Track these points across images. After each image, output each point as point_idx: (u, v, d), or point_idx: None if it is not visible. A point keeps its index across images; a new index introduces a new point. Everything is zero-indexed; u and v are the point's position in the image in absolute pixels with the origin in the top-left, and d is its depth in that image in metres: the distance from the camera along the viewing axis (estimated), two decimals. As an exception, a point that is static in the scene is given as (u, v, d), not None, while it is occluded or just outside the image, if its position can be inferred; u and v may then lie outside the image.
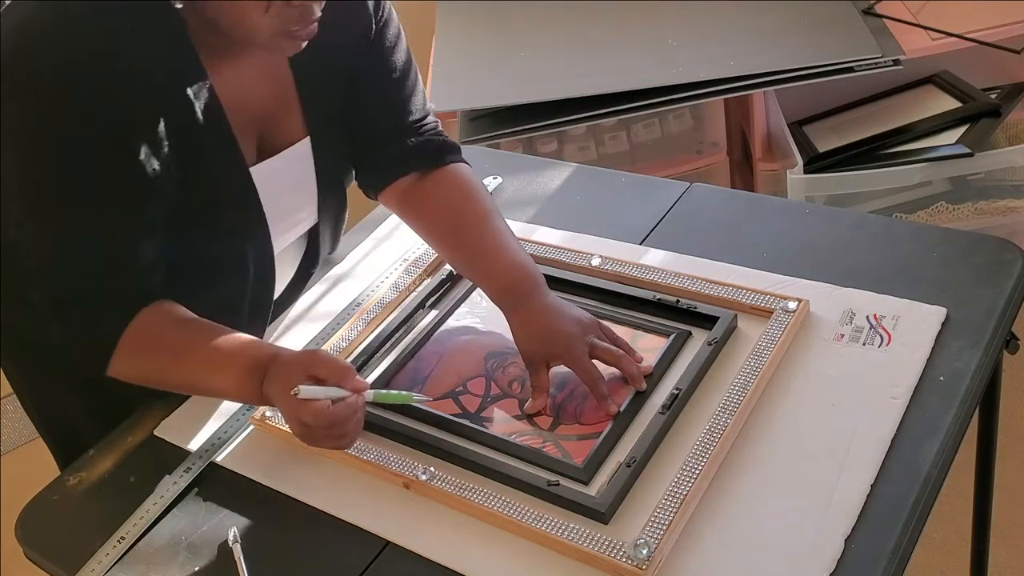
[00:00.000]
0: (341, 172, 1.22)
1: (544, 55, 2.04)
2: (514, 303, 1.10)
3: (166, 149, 0.99)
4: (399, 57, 1.19)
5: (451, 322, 1.21)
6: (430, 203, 1.20)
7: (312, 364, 0.96)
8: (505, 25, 2.17)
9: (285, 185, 1.14)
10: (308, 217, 1.21)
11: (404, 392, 1.08)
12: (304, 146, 1.15)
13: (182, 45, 0.99)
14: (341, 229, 1.31)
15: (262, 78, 1.09)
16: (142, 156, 0.97)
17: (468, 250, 1.16)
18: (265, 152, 1.12)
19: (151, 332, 1.04)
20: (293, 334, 1.25)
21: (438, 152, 1.21)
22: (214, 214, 1.07)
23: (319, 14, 0.97)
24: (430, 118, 1.24)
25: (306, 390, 0.94)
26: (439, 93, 1.97)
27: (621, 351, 1.06)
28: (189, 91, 1.00)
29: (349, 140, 1.19)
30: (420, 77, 1.23)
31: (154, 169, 0.99)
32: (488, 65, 2.03)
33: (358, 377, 0.98)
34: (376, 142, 1.20)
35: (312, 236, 1.25)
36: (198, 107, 1.01)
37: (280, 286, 1.25)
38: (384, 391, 1.07)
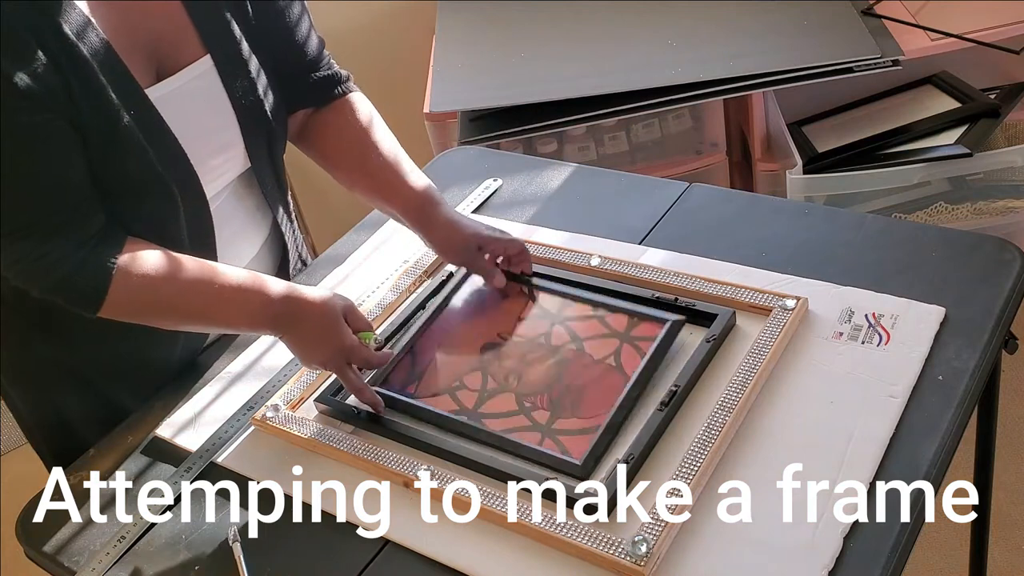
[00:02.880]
0: (260, 92, 1.19)
1: (544, 55, 2.04)
2: (427, 221, 1.19)
3: (53, 82, 0.98)
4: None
5: (444, 313, 1.21)
6: (333, 133, 1.25)
7: (352, 312, 1.09)
8: (505, 25, 2.17)
9: (192, 105, 1.13)
10: (234, 141, 1.18)
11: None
12: (204, 64, 1.14)
13: None
14: (282, 173, 1.30)
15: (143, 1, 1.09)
16: (33, 94, 0.97)
17: (376, 177, 1.22)
18: (166, 75, 1.12)
19: (142, 270, 1.04)
20: (293, 334, 1.26)
21: (336, 83, 1.26)
22: (122, 141, 1.06)
23: None
24: (325, 51, 1.28)
25: (375, 336, 1.12)
26: (439, 93, 1.97)
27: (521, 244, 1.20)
28: (63, 22, 0.99)
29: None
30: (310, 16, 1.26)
31: (47, 106, 0.98)
32: (488, 65, 2.03)
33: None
34: (280, 76, 1.22)
35: (263, 186, 1.25)
36: (74, 34, 1.00)
37: (245, 251, 1.27)
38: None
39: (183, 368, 1.25)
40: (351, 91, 1.28)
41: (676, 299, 1.14)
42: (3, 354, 1.26)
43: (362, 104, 1.28)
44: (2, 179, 0.97)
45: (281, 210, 1.32)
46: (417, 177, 1.22)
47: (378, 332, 1.21)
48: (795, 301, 1.09)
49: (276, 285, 1.08)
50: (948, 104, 2.05)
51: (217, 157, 1.17)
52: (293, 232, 1.37)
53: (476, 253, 1.20)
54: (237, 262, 1.23)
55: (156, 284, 1.05)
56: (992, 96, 2.06)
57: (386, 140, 1.25)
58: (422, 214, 1.20)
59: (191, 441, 1.13)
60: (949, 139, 1.96)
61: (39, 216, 1.01)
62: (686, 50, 1.96)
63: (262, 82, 1.20)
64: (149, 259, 1.06)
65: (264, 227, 1.31)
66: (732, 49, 1.94)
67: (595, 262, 1.22)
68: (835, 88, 1.97)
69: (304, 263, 1.43)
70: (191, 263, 1.08)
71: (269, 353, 1.24)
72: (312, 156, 1.30)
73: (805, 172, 1.96)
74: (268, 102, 1.20)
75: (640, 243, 1.27)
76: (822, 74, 1.85)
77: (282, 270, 1.37)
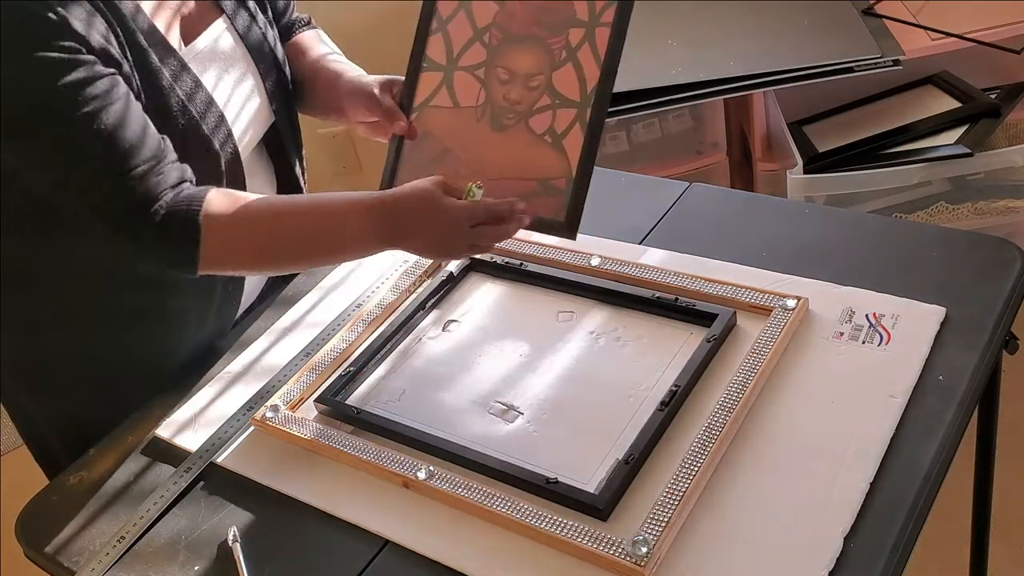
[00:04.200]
0: (271, 44, 1.27)
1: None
2: (339, 109, 1.27)
3: (112, 42, 1.03)
4: None
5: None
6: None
7: (442, 185, 1.05)
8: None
9: (218, 66, 1.19)
10: (258, 98, 1.24)
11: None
12: (221, 25, 1.21)
13: None
14: (299, 134, 1.35)
15: None
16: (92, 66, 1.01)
17: (317, 76, 1.32)
18: (189, 41, 1.17)
19: (234, 208, 1.06)
20: (292, 336, 1.26)
21: (299, 26, 1.38)
22: (167, 103, 1.10)
23: None
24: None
25: (478, 191, 1.05)
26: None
27: None
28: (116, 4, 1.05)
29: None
30: None
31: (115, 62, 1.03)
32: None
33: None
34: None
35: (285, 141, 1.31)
36: (126, 13, 1.06)
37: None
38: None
39: (188, 365, 1.25)
40: (311, 28, 1.39)
41: (676, 299, 1.14)
42: (3, 354, 1.26)
43: (309, 34, 1.37)
44: (94, 130, 1.00)
45: (299, 168, 1.36)
46: (341, 65, 1.31)
47: (378, 332, 1.21)
48: (795, 301, 1.09)
49: (367, 200, 1.06)
50: (948, 104, 2.05)
51: (245, 116, 1.21)
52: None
53: (379, 95, 1.21)
54: None
55: (250, 227, 1.06)
56: (992, 96, 2.06)
57: (319, 47, 1.35)
58: (333, 82, 1.27)
59: (191, 441, 1.13)
60: (949, 139, 1.96)
61: (131, 162, 1.03)
62: (686, 50, 1.96)
63: (271, 35, 1.27)
64: (236, 202, 1.06)
65: (285, 189, 1.35)
66: (732, 49, 1.94)
67: (595, 262, 1.22)
68: (835, 88, 1.97)
69: None
70: (277, 200, 1.11)
71: (269, 353, 1.24)
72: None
73: (805, 172, 1.96)
74: (278, 53, 1.28)
75: (640, 243, 1.27)
76: (822, 74, 1.85)
77: None
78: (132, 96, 1.05)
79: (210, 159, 1.14)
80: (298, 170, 1.36)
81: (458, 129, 1.17)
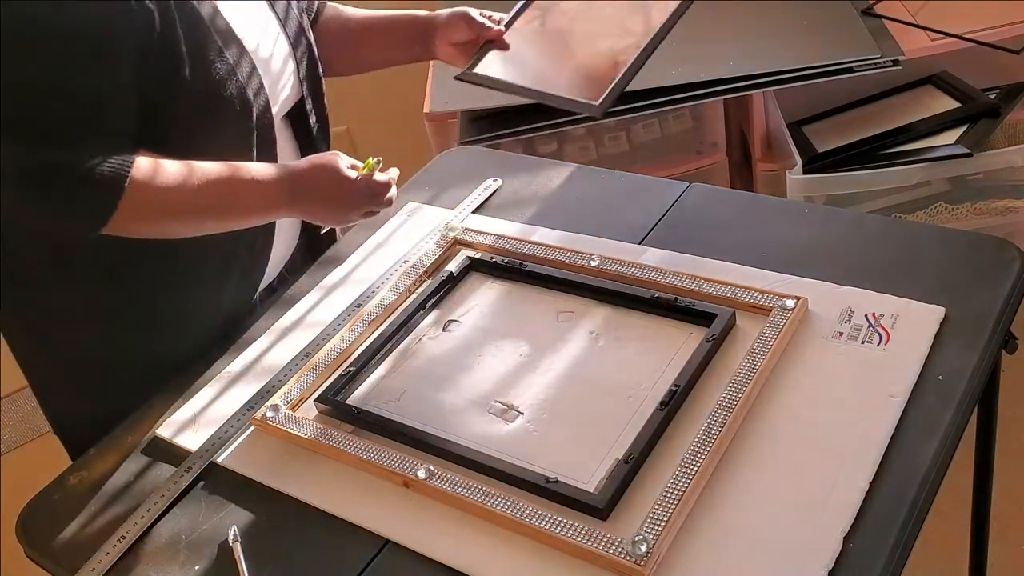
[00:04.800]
0: (298, 15, 1.31)
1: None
2: (425, 40, 1.39)
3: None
4: None
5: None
6: (328, 40, 1.40)
7: (339, 157, 1.21)
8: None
9: (251, 31, 1.21)
10: (288, 67, 1.27)
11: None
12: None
13: None
14: (326, 114, 1.38)
15: None
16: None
17: (375, 44, 1.44)
18: None
19: (155, 173, 1.09)
20: (292, 336, 1.26)
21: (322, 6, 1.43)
22: (207, 47, 1.13)
23: None
24: None
25: (372, 160, 1.23)
26: (439, 94, 1.97)
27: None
28: None
29: None
30: None
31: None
32: (488, 66, 2.03)
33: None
34: None
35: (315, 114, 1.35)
36: None
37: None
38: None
39: (185, 365, 1.25)
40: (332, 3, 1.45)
41: (676, 299, 1.14)
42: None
43: (332, 10, 1.44)
44: (36, 84, 1.02)
45: (324, 148, 1.38)
46: (401, 11, 1.42)
47: (379, 332, 1.21)
48: (795, 301, 1.09)
49: (271, 168, 1.18)
50: (948, 104, 2.05)
51: (276, 83, 1.24)
52: None
53: (473, 14, 1.37)
54: None
55: (168, 188, 1.09)
56: (992, 96, 2.06)
57: (360, 12, 1.44)
58: (415, 21, 1.39)
59: (191, 441, 1.13)
60: (949, 139, 1.96)
61: (59, 123, 1.04)
62: (686, 50, 1.96)
63: (305, 21, 1.32)
64: (158, 166, 1.10)
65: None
66: (732, 49, 1.94)
67: (595, 262, 1.22)
68: (835, 88, 1.97)
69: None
70: (198, 164, 1.13)
71: (269, 353, 1.24)
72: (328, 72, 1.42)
73: (805, 172, 1.96)
74: (309, 36, 1.32)
75: (640, 243, 1.27)
76: (822, 74, 1.85)
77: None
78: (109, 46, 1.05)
79: (243, 107, 1.17)
80: (323, 149, 1.37)
81: (535, 42, 1.42)
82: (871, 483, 0.91)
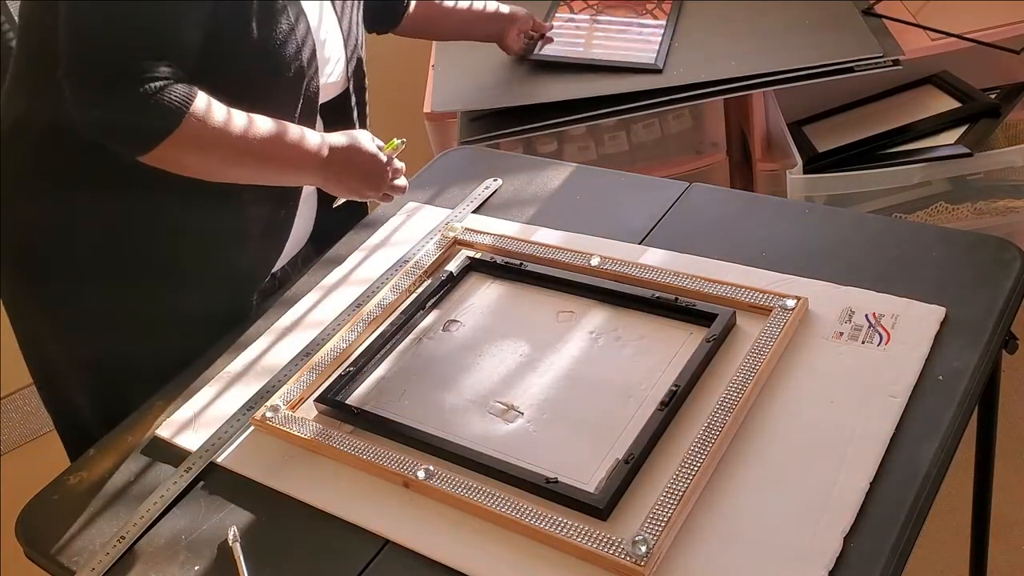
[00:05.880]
0: (356, 17, 1.38)
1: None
2: (499, 25, 1.81)
3: None
4: None
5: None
6: (429, 24, 1.68)
7: (368, 135, 1.30)
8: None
9: (315, 11, 1.28)
10: (339, 61, 1.34)
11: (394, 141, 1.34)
12: None
13: None
14: (367, 110, 1.47)
15: None
16: None
17: (462, 21, 1.75)
18: None
19: (213, 103, 1.14)
20: (292, 336, 1.26)
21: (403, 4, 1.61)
22: (278, 12, 1.19)
23: None
24: None
25: (397, 141, 1.32)
26: (439, 94, 1.97)
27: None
28: None
29: None
30: None
31: None
32: (488, 65, 2.03)
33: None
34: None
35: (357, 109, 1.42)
36: None
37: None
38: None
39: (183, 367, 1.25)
40: None
41: (676, 299, 1.14)
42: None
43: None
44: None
45: None
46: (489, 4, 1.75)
47: (378, 331, 1.21)
48: (795, 301, 1.09)
49: (313, 132, 1.24)
50: (948, 104, 2.05)
51: (325, 67, 1.30)
52: None
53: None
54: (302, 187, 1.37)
55: (220, 126, 1.14)
56: (992, 96, 2.06)
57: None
58: (495, 15, 1.79)
59: (191, 441, 1.13)
60: (949, 139, 1.96)
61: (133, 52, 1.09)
62: (686, 50, 1.96)
63: (358, 15, 1.39)
64: (213, 103, 1.14)
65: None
66: (732, 49, 1.93)
67: (595, 262, 1.22)
68: (835, 88, 1.97)
69: (365, 208, 1.52)
70: (244, 113, 1.17)
71: (269, 353, 1.24)
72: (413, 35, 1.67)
73: (805, 172, 1.96)
74: (361, 32, 1.40)
75: (640, 243, 1.27)
76: (822, 74, 1.85)
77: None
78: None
79: (296, 74, 1.23)
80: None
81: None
82: (871, 483, 0.91)
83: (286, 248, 1.38)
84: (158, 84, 1.09)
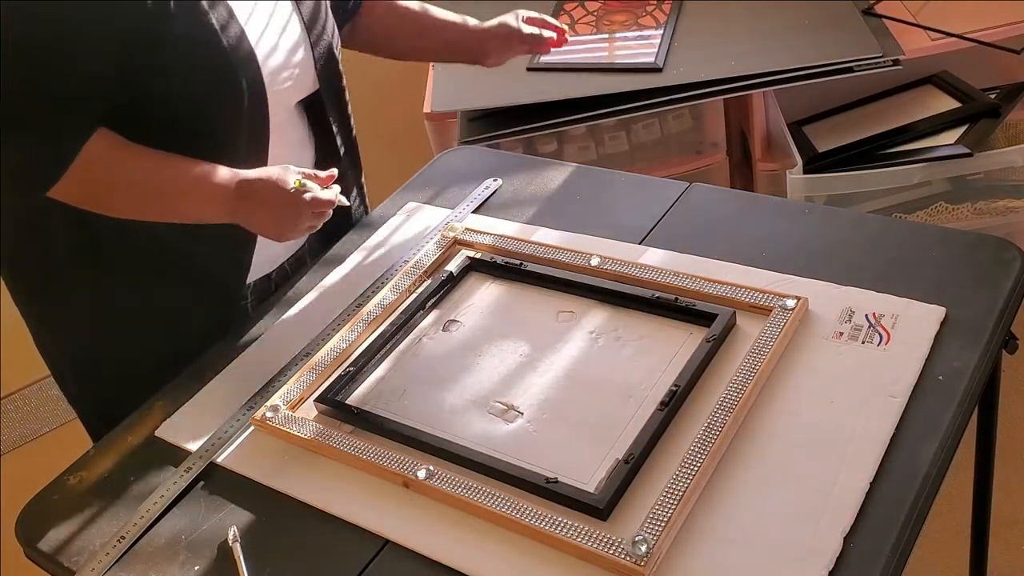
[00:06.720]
0: (324, 10, 1.32)
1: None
2: (473, 54, 1.50)
3: None
4: None
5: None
6: (383, 24, 1.48)
7: (288, 172, 1.16)
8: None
9: (265, 12, 1.23)
10: (304, 58, 1.28)
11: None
12: None
13: None
14: (347, 107, 1.40)
15: None
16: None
17: (433, 37, 1.49)
18: None
19: (107, 152, 1.12)
20: (293, 336, 1.26)
21: None
22: (202, 26, 1.14)
23: None
24: None
25: (305, 181, 1.15)
26: (439, 93, 1.97)
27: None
28: None
29: None
30: None
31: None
32: (488, 65, 2.03)
33: (321, 174, 1.17)
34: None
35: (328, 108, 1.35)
36: None
37: (302, 156, 1.34)
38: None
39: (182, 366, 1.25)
40: None
41: (676, 299, 1.14)
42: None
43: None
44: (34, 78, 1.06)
45: (340, 140, 1.38)
46: (454, 16, 1.50)
47: (378, 331, 1.21)
48: (795, 301, 1.09)
49: (224, 170, 1.16)
50: (948, 104, 2.05)
51: (287, 70, 1.25)
52: (357, 176, 1.45)
53: (526, 33, 1.45)
54: None
55: (117, 165, 1.12)
56: (992, 96, 2.06)
57: (415, 5, 1.50)
58: (467, 31, 1.48)
59: (191, 441, 1.13)
60: (949, 139, 1.96)
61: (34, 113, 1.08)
62: (686, 50, 1.96)
63: (322, 4, 1.31)
64: (113, 143, 1.12)
65: (325, 157, 1.37)
66: (732, 49, 1.94)
67: (595, 262, 1.22)
68: (835, 88, 1.97)
69: (366, 208, 1.49)
70: (154, 152, 1.14)
71: (269, 353, 1.24)
72: (367, 49, 1.51)
73: (805, 172, 1.96)
74: (329, 23, 1.33)
75: (640, 243, 1.27)
76: (822, 74, 1.85)
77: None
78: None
79: (236, 102, 1.18)
80: (339, 141, 1.38)
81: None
82: (871, 483, 0.91)
83: (279, 251, 1.36)
84: (47, 132, 1.08)
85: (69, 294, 1.27)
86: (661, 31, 2.00)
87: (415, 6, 1.49)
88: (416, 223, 1.41)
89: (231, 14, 1.17)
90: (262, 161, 1.24)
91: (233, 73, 1.16)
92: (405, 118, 2.32)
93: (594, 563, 0.90)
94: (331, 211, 1.19)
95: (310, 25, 1.29)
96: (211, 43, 1.14)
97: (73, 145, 1.10)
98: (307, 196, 1.14)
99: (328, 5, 1.34)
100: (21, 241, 1.25)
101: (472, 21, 1.49)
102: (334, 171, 1.19)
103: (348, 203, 1.27)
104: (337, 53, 1.36)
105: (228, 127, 1.20)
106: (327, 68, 1.33)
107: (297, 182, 1.15)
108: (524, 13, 1.47)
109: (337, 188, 1.19)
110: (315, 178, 1.17)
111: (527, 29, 1.45)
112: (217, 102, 1.17)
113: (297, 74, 1.27)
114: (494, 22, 1.47)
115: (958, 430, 0.95)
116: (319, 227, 1.20)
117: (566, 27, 1.50)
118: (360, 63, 1.51)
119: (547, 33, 1.46)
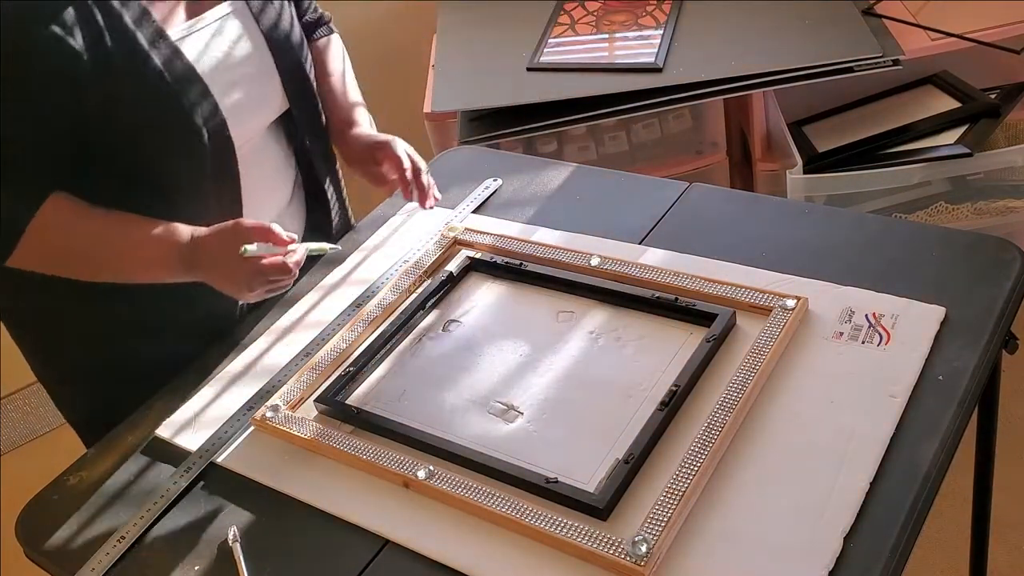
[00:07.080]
0: (287, 26, 1.29)
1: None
2: (342, 136, 1.39)
3: (85, 34, 1.06)
4: None
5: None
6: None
7: (240, 231, 1.10)
8: (505, 25, 2.17)
9: (222, 44, 1.20)
10: (270, 79, 1.26)
11: (325, 244, 1.22)
12: (227, 7, 1.22)
13: None
14: (320, 120, 1.37)
15: None
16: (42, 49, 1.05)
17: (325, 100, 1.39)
18: (196, 15, 1.19)
19: (59, 220, 1.11)
20: (292, 336, 1.26)
21: (319, 26, 1.44)
22: (151, 85, 1.11)
23: None
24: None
25: (251, 248, 1.08)
26: (439, 93, 1.97)
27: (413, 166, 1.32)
28: None
29: None
30: None
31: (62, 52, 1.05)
32: (488, 65, 2.03)
33: (282, 233, 1.11)
34: None
35: (302, 128, 1.33)
36: None
37: (274, 200, 1.32)
38: (309, 244, 1.18)
39: (181, 367, 1.25)
40: (331, 33, 1.45)
41: (676, 299, 1.14)
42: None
43: (335, 45, 1.44)
44: None
45: (321, 156, 1.36)
46: (351, 103, 1.41)
47: (378, 332, 1.21)
48: (795, 301, 1.09)
49: (184, 230, 1.14)
50: (948, 104, 2.05)
51: (251, 97, 1.23)
52: (336, 185, 1.43)
53: (374, 162, 1.34)
54: (263, 214, 1.27)
55: (70, 232, 1.11)
56: (992, 96, 2.06)
57: (338, 72, 1.42)
58: (341, 130, 1.39)
59: (191, 441, 1.13)
60: (949, 139, 1.96)
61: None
62: (686, 50, 1.96)
63: (287, 16, 1.29)
64: (66, 209, 1.11)
65: (294, 178, 1.36)
66: (732, 49, 1.94)
67: (595, 262, 1.22)
68: (835, 88, 1.97)
69: (349, 224, 1.47)
70: (110, 215, 1.13)
71: (269, 353, 1.24)
72: None
73: (805, 172, 1.96)
74: (294, 37, 1.30)
75: (640, 243, 1.27)
76: (822, 74, 1.85)
77: (319, 230, 1.41)
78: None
79: (191, 131, 1.14)
80: (320, 158, 1.37)
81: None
82: (871, 483, 0.91)
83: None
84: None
85: (61, 317, 1.26)
86: (661, 31, 1.99)
87: (334, 67, 1.42)
88: (416, 223, 1.41)
89: (175, 53, 1.13)
90: (236, 195, 1.23)
91: (185, 116, 1.13)
92: (405, 118, 2.32)
93: (594, 563, 0.90)
94: (292, 276, 1.13)
95: (272, 41, 1.26)
96: (156, 88, 1.11)
97: (22, 216, 1.09)
98: (263, 262, 1.10)
99: (293, 13, 1.31)
100: (9, 273, 1.24)
101: (363, 117, 1.40)
102: (294, 235, 1.13)
103: (327, 250, 1.22)
104: (307, 65, 1.32)
105: (191, 171, 1.17)
106: (294, 83, 1.29)
107: (244, 250, 1.08)
108: (405, 149, 1.33)
109: (301, 248, 1.14)
110: (273, 236, 1.10)
111: (385, 166, 1.34)
112: (172, 146, 1.15)
113: (266, 96, 1.25)
114: (376, 135, 1.37)
115: (958, 430, 0.95)
116: (288, 286, 1.16)
117: (435, 196, 1.35)
118: (360, 63, 1.51)
119: (394, 179, 1.34)
